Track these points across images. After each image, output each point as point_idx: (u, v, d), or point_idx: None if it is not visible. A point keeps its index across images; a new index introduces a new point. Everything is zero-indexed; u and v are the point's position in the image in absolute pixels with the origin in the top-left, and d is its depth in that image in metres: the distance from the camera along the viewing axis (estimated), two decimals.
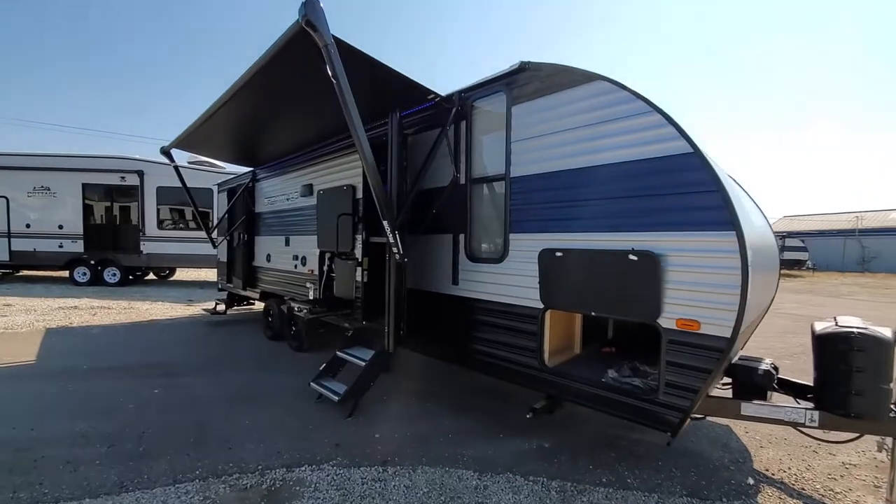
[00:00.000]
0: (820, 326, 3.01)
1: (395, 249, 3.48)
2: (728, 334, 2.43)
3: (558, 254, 3.04)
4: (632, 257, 2.68)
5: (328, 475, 3.09)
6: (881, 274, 24.82)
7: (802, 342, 7.40)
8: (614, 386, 2.99)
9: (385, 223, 3.39)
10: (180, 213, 13.92)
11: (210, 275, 17.37)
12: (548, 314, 3.26)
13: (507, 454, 3.47)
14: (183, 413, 4.10)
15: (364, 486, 2.98)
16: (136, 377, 5.13)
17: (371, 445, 3.54)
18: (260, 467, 3.17)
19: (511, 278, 3.46)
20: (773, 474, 3.33)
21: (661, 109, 2.63)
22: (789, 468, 3.41)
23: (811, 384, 3.48)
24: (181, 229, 13.82)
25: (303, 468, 3.17)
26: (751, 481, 3.20)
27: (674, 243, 2.58)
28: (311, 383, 4.41)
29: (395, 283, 3.72)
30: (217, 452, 3.37)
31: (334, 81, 2.92)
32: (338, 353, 4.61)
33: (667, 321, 2.63)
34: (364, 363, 4.19)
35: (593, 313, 2.94)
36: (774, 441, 3.86)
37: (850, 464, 3.53)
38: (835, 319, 3.10)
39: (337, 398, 4.00)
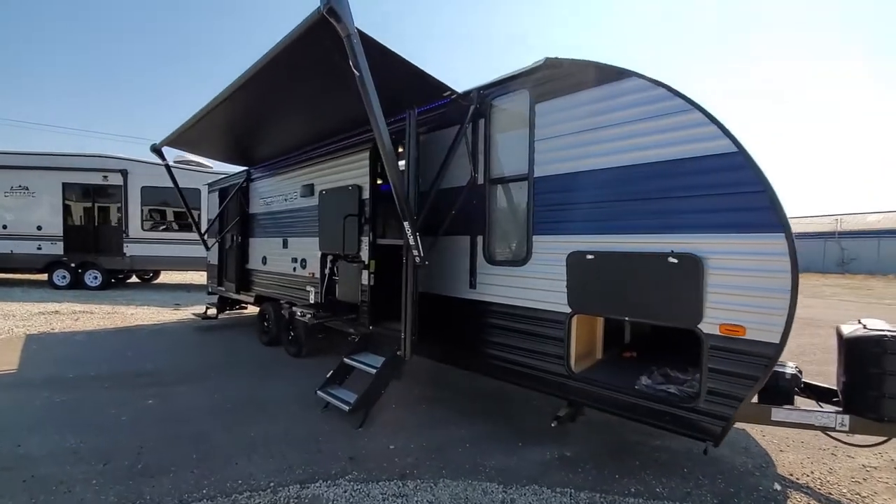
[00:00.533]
0: (848, 330, 2.96)
1: (415, 252, 3.32)
2: (777, 340, 2.34)
3: (589, 256, 2.92)
4: (672, 260, 2.58)
5: (346, 491, 2.90)
6: (861, 275, 25.52)
7: (799, 343, 7.47)
8: (648, 393, 2.87)
9: (405, 224, 3.22)
10: (166, 213, 13.48)
11: (197, 277, 16.93)
12: (574, 319, 3.14)
13: (529, 464, 3.33)
14: (181, 425, 3.85)
15: (385, 502, 2.80)
16: (126, 387, 4.83)
17: (387, 457, 3.36)
18: (272, 484, 2.96)
19: (535, 281, 3.33)
20: (797, 479, 3.28)
21: (701, 107, 2.54)
22: (812, 472, 3.37)
23: (833, 387, 3.47)
24: (167, 231, 13.37)
25: (317, 484, 2.98)
26: (777, 487, 3.16)
27: (717, 245, 2.48)
28: (318, 391, 4.21)
29: (413, 286, 3.55)
30: (223, 468, 3.15)
31: (356, 74, 2.75)
32: (345, 359, 4.41)
33: (709, 326, 2.52)
34: (375, 371, 4.00)
35: (627, 318, 2.83)
36: (792, 444, 3.82)
37: (870, 466, 3.51)
38: (861, 322, 3.07)
39: (347, 408, 3.81)
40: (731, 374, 2.49)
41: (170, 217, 13.57)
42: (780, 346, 2.34)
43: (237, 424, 3.88)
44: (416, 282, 3.63)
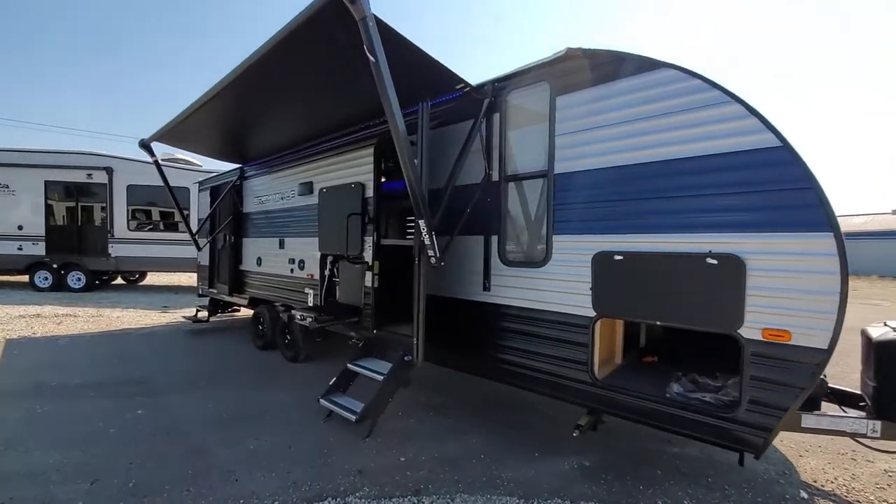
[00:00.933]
0: (877, 332, 2.85)
1: (430, 252, 3.12)
2: (825, 345, 2.20)
3: (618, 257, 2.76)
4: (710, 261, 2.42)
5: None
6: (862, 276, 25.85)
7: None
8: (681, 402, 2.71)
9: (421, 223, 3.02)
10: (152, 213, 13.07)
11: (185, 279, 16.48)
12: (598, 323, 2.97)
13: (548, 476, 3.16)
14: (173, 438, 3.60)
15: None
16: (113, 396, 4.55)
17: (399, 471, 3.16)
18: (276, 503, 2.74)
19: (555, 283, 3.16)
20: (822, 486, 3.20)
21: (741, 99, 2.39)
22: (836, 478, 3.31)
23: (857, 391, 3.37)
24: (153, 230, 12.95)
25: (326, 502, 2.77)
26: (804, 495, 3.08)
27: (760, 245, 2.33)
28: (321, 400, 3.98)
29: (425, 289, 3.36)
30: (222, 486, 2.92)
31: (371, 60, 2.55)
32: (349, 365, 4.19)
33: (750, 331, 2.37)
34: (382, 377, 3.79)
35: (658, 322, 2.66)
36: (811, 449, 3.75)
37: (891, 471, 3.45)
38: (887, 325, 2.97)
39: (354, 417, 3.59)
40: (774, 382, 2.34)
41: (156, 217, 13.15)
42: (828, 353, 2.20)
43: (235, 436, 3.64)
44: (429, 284, 3.43)
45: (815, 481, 3.25)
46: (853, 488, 3.15)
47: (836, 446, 3.78)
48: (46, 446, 3.40)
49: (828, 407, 3.16)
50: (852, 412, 3.35)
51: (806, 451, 3.69)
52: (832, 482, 3.23)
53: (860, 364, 2.99)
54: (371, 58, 2.55)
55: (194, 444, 3.49)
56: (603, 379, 3.04)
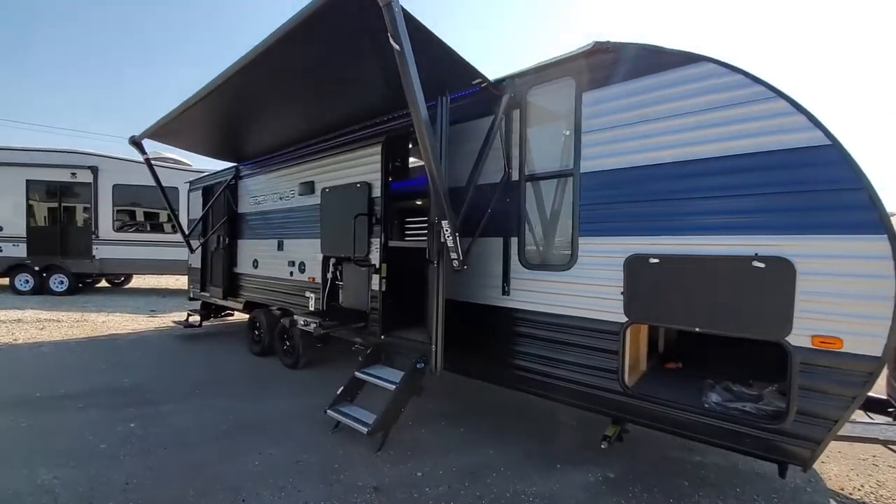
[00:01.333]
0: None
1: (453, 255, 2.95)
2: (878, 353, 2.09)
3: (653, 260, 2.63)
4: (756, 264, 2.30)
5: None
6: None
7: None
8: (720, 412, 2.58)
9: (444, 224, 2.85)
10: (136, 214, 12.65)
11: (172, 282, 16.03)
12: (629, 329, 2.84)
13: (574, 489, 3.02)
14: (171, 453, 3.37)
15: None
16: (103, 407, 4.27)
17: (417, 486, 2.98)
18: None
19: (582, 288, 3.02)
20: (849, 494, 3.15)
21: (787, 95, 2.28)
22: (862, 485, 3.26)
23: (885, 397, 3.31)
24: (140, 232, 12.53)
25: None
26: None
27: (810, 248, 2.22)
28: (328, 411, 3.78)
29: (444, 294, 3.19)
30: None
31: (395, 49, 2.38)
32: (357, 373, 4.00)
33: (799, 338, 2.25)
34: (394, 386, 3.61)
35: (697, 329, 2.53)
36: (831, 455, 3.69)
37: None
38: None
39: (366, 429, 3.40)
40: (824, 391, 2.22)
41: (142, 217, 12.73)
42: (882, 360, 2.09)
43: (236, 450, 3.42)
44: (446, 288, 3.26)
45: (841, 489, 3.19)
46: (881, 496, 3.11)
47: (856, 452, 3.73)
48: (34, 463, 3.14)
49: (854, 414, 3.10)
50: (879, 418, 3.29)
51: (827, 457, 3.62)
52: (859, 489, 3.18)
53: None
54: (396, 46, 2.38)
55: (194, 460, 3.27)
56: (633, 387, 2.90)
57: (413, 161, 5.21)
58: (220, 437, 3.68)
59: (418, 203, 5.72)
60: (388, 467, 3.24)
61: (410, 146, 4.96)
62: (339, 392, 3.91)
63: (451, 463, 3.32)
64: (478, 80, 3.42)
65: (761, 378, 3.04)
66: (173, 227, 10.91)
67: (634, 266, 2.71)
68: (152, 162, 6.40)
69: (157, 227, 12.65)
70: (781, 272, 2.25)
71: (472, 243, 3.34)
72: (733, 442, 2.53)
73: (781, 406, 2.47)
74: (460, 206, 3.08)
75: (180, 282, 14.97)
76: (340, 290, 4.98)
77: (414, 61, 2.46)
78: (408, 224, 6.73)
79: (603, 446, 2.95)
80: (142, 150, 5.96)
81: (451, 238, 2.87)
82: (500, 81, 3.44)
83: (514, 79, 3.39)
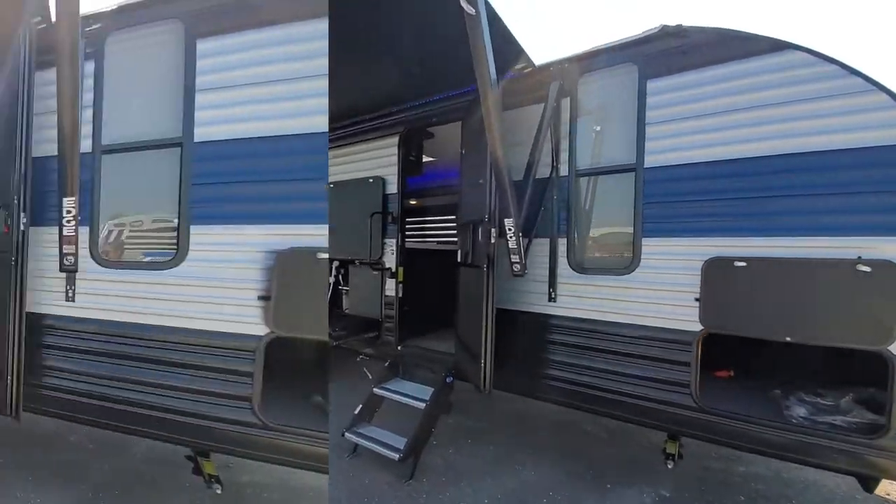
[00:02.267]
0: None
1: (514, 258, 2.62)
2: None
3: (740, 263, 2.40)
4: (861, 268, 2.12)
5: None
6: None
7: None
8: (807, 427, 2.39)
9: (507, 222, 2.52)
10: None
11: None
12: (701, 338, 2.61)
13: None
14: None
15: None
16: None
17: None
18: None
19: (646, 293, 2.77)
20: None
21: (887, 88, 2.14)
22: None
23: None
24: None
25: None
26: None
27: None
28: (346, 433, 3.33)
29: (494, 302, 2.85)
30: None
31: (469, 12, 2.03)
32: (375, 390, 3.57)
33: None
34: (423, 404, 3.22)
35: (788, 339, 2.33)
36: None
37: None
38: None
39: (398, 455, 2.99)
40: None
41: None
42: None
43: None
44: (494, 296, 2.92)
45: (888, 494, 3.08)
46: None
47: None
48: None
49: None
50: None
51: None
52: None
53: None
54: (469, 9, 2.03)
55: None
56: (702, 401, 2.67)
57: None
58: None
59: (431, 201, 5.35)
60: (424, 498, 2.86)
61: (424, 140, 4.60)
62: (356, 412, 3.46)
63: (492, 488, 3.00)
64: (521, 66, 3.13)
65: (813, 383, 2.90)
66: None
67: (715, 270, 2.49)
68: None
69: None
70: (888, 276, 2.08)
71: (529, 244, 3.02)
72: (820, 458, 2.36)
73: (876, 419, 2.31)
74: (525, 203, 2.75)
75: None
76: (345, 296, 4.53)
77: (489, 29, 2.12)
78: (410, 224, 6.32)
79: (669, 466, 2.72)
80: None
81: (513, 239, 2.54)
82: (546, 67, 3.16)
83: (564, 64, 3.11)
